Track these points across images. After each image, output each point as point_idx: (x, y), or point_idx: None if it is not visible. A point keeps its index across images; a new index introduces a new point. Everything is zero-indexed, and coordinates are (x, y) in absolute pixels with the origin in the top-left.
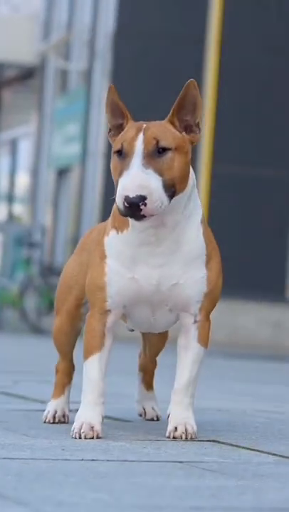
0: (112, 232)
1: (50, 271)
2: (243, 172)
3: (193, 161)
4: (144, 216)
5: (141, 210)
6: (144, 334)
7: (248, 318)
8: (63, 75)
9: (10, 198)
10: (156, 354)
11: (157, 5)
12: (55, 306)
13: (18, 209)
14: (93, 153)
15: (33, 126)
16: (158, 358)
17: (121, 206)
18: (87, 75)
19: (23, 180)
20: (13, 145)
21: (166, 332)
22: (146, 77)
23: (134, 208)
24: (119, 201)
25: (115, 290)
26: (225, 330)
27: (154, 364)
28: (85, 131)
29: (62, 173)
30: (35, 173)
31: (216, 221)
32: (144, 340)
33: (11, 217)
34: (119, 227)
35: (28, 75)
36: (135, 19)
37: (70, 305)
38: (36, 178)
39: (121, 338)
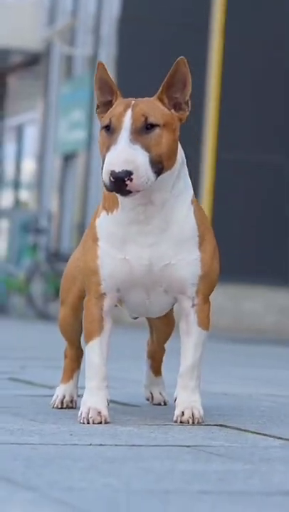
0: (103, 214)
1: (57, 257)
2: (248, 158)
3: (198, 148)
4: (129, 192)
5: (126, 185)
6: (149, 321)
7: (254, 303)
8: (68, 61)
9: (16, 184)
10: (164, 341)
11: None
12: (60, 297)
13: (25, 195)
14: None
15: (39, 113)
16: (166, 345)
17: (107, 181)
18: (93, 61)
19: (29, 166)
20: (19, 131)
21: (172, 319)
22: (151, 63)
23: (120, 183)
24: (105, 176)
25: (108, 272)
26: (230, 315)
27: (162, 351)
28: (90, 117)
29: (68, 158)
30: (41, 159)
31: (221, 207)
32: (151, 327)
33: (17, 203)
34: (109, 208)
35: (33, 61)
36: (140, 5)
37: (74, 296)
38: (42, 164)
39: (126, 323)
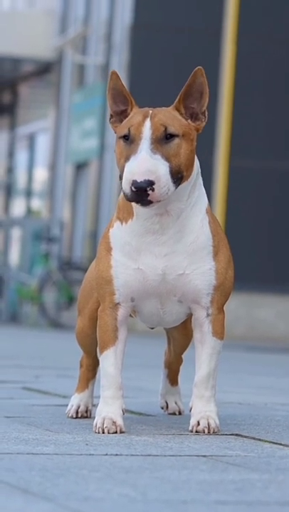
0: (117, 224)
1: (69, 265)
2: (261, 165)
3: (211, 155)
4: (150, 202)
5: (148, 195)
6: (167, 331)
7: (267, 311)
8: (80, 69)
9: (28, 193)
10: (181, 351)
11: None
12: (78, 307)
13: (37, 204)
14: (111, 148)
15: (51, 121)
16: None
17: (128, 191)
18: (105, 69)
19: (41, 175)
20: (31, 140)
21: (190, 329)
22: (164, 71)
23: (141, 193)
24: (125, 186)
25: (122, 282)
26: (244, 323)
27: (180, 361)
28: (102, 126)
29: (80, 167)
30: (53, 167)
31: (234, 214)
32: (168, 337)
33: (29, 212)
34: (124, 218)
35: (45, 69)
36: (152, 12)
37: (92, 307)
38: (54, 172)
39: (141, 332)
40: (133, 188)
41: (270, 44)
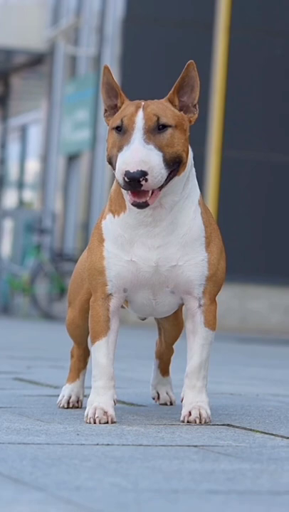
0: (109, 216)
1: (61, 257)
2: (254, 156)
3: (203, 146)
4: (144, 191)
5: (141, 185)
6: (158, 322)
7: (259, 303)
8: (72, 60)
9: (20, 185)
10: (172, 342)
11: None
12: (68, 298)
13: (29, 195)
14: (103, 139)
15: (43, 113)
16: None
17: (121, 181)
18: (97, 61)
19: (33, 166)
20: (23, 131)
21: (181, 320)
22: (156, 63)
23: (135, 184)
24: (119, 176)
25: (114, 273)
26: (236, 315)
27: (171, 351)
28: (94, 117)
29: (72, 159)
30: (45, 159)
31: (226, 206)
32: (159, 327)
33: (21, 203)
34: (116, 211)
35: (37, 61)
36: (144, 4)
37: (82, 298)
38: (46, 164)
39: (133, 323)
40: (126, 179)
41: (263, 36)
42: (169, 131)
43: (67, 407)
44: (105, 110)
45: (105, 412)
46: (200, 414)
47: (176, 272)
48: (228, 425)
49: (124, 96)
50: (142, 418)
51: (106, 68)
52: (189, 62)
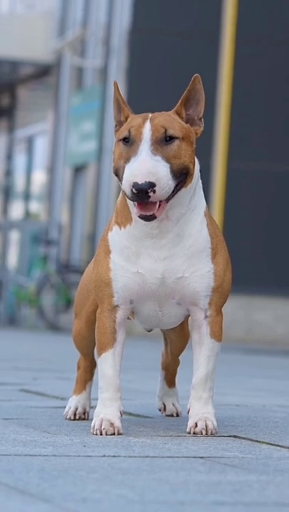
0: (115, 228)
1: (67, 268)
2: (259, 167)
3: (209, 157)
4: (152, 202)
5: (149, 196)
6: (164, 333)
7: (265, 314)
8: (79, 72)
9: (26, 196)
10: (179, 353)
11: (172, 2)
12: (74, 310)
13: (35, 207)
14: (109, 151)
15: (49, 124)
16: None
17: (128, 192)
18: (103, 72)
19: (39, 177)
20: (30, 143)
21: (187, 331)
22: (162, 74)
23: (143, 195)
24: (126, 187)
25: (121, 285)
26: (242, 326)
27: (177, 362)
28: (100, 129)
29: (78, 170)
30: (51, 170)
31: (231, 217)
32: (166, 339)
33: (27, 214)
34: (122, 223)
35: (43, 72)
36: (151, 16)
37: (89, 309)
38: (52, 175)
39: (139, 335)
40: (134, 190)
41: (269, 47)
42: (176, 142)
43: (74, 419)
44: (115, 125)
45: (112, 424)
46: (206, 426)
47: (182, 283)
48: (234, 436)
49: (126, 110)
50: (148, 429)
51: (115, 84)
52: (195, 75)
